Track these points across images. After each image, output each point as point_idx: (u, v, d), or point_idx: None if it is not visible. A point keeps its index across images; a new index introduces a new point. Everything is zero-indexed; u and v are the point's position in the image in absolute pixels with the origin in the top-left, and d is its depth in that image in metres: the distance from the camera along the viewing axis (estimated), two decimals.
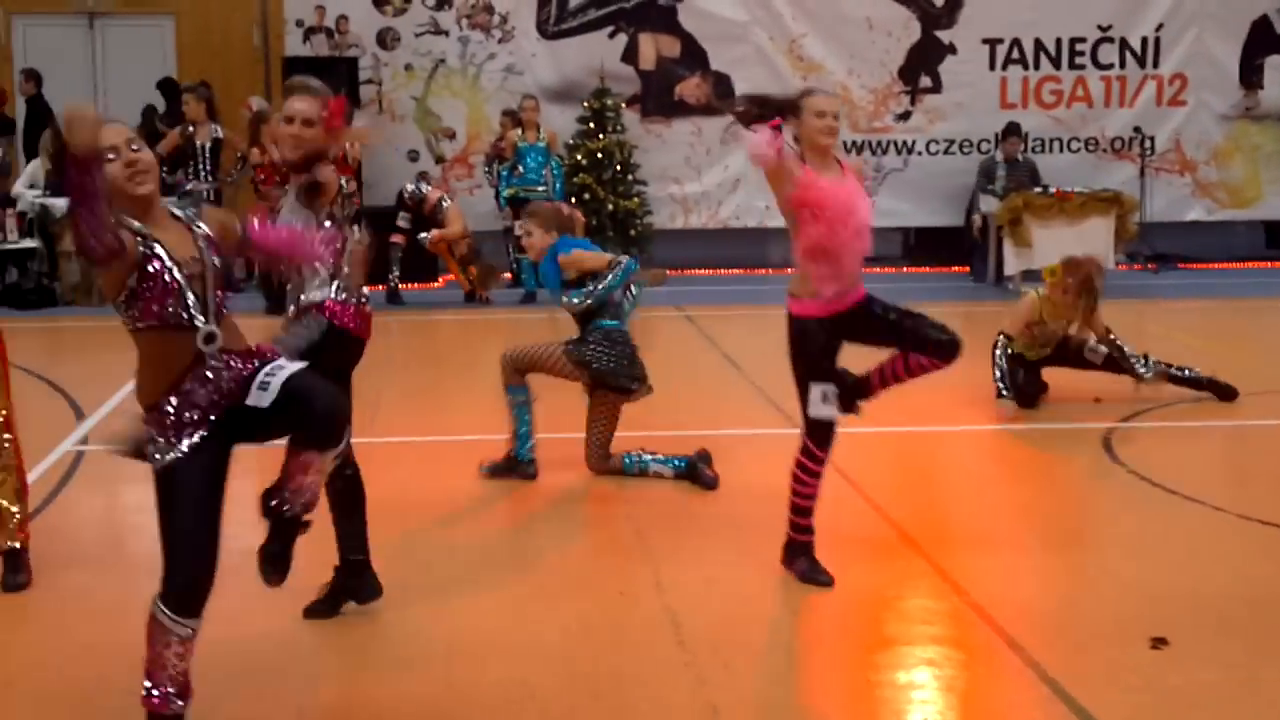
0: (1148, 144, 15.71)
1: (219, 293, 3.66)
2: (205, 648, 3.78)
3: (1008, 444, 7.83)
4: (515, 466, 6.75)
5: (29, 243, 13.13)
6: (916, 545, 5.70)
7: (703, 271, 15.41)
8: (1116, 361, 8.25)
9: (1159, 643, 4.54)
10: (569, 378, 6.81)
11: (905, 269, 15.40)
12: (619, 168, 14.82)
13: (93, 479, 6.97)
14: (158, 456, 3.60)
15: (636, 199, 14.93)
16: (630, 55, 15.62)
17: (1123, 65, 15.89)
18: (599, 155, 14.74)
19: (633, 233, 14.83)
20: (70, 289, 12.88)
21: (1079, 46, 15.85)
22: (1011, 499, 6.72)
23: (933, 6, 15.70)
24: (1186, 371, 8.40)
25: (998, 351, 8.16)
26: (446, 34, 15.50)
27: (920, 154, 15.75)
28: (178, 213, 3.68)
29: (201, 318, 3.58)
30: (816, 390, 5.08)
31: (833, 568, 5.26)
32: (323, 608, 4.91)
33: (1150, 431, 7.83)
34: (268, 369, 3.59)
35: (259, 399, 3.54)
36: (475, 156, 15.38)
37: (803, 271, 5.06)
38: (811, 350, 5.11)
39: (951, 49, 15.73)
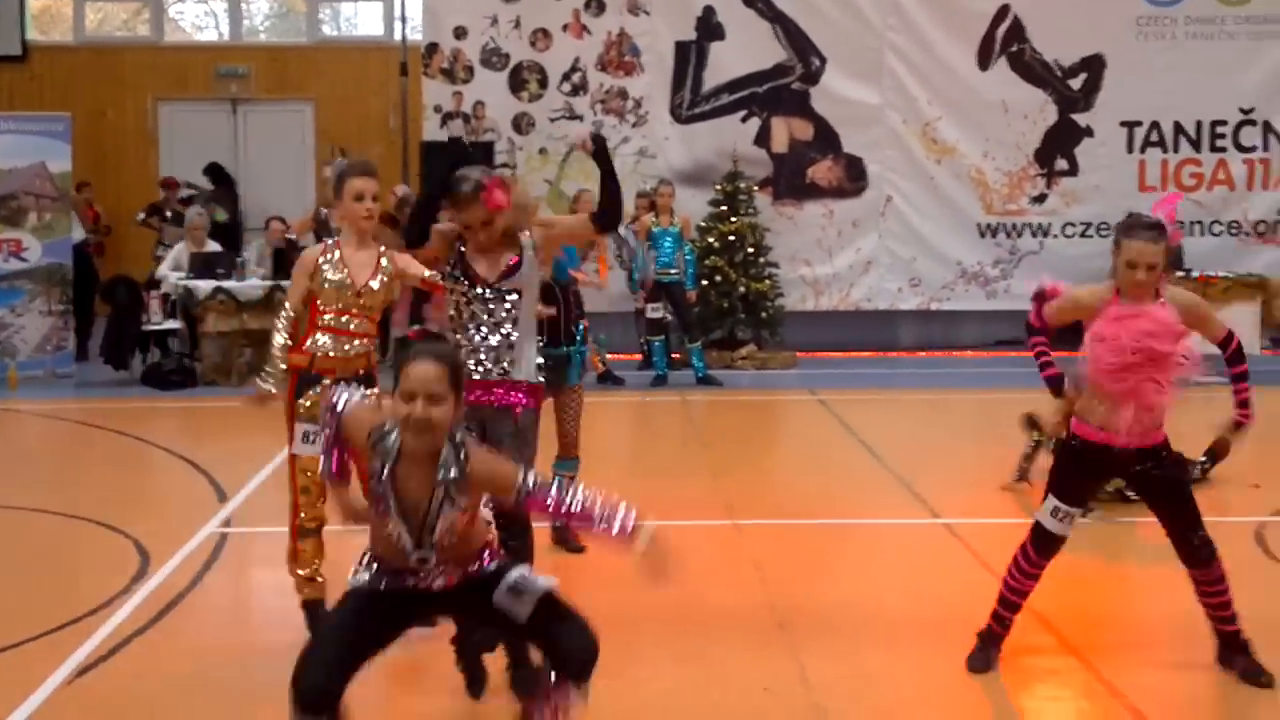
0: None
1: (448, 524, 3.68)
2: None
3: (1158, 536, 7.55)
4: None
5: (171, 323, 13.44)
6: (1076, 649, 5.48)
7: (834, 354, 15.27)
8: None
9: None
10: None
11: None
12: (751, 250, 14.79)
13: (236, 562, 7.03)
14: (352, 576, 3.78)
15: (768, 281, 14.87)
16: (763, 139, 15.65)
17: (1266, 148, 15.53)
18: (731, 238, 14.74)
19: (764, 315, 14.76)
20: (211, 369, 13.13)
21: (1220, 129, 15.54)
22: (1169, 598, 6.45)
23: (1069, 90, 15.52)
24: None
25: None
26: (581, 119, 15.66)
27: (1056, 237, 15.50)
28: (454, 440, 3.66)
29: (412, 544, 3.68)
30: (1052, 502, 5.05)
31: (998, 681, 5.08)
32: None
33: None
34: (517, 576, 3.68)
35: (513, 605, 3.65)
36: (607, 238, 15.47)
37: (1086, 392, 5.04)
38: (1066, 465, 5.07)
39: (1089, 132, 15.52)
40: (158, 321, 13.43)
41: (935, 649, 5.41)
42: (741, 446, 10.50)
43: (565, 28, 15.62)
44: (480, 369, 5.08)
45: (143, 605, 6.06)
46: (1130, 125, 15.53)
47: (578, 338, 7.04)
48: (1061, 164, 15.56)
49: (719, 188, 15.03)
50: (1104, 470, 5.10)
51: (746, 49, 15.54)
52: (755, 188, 15.25)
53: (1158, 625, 5.92)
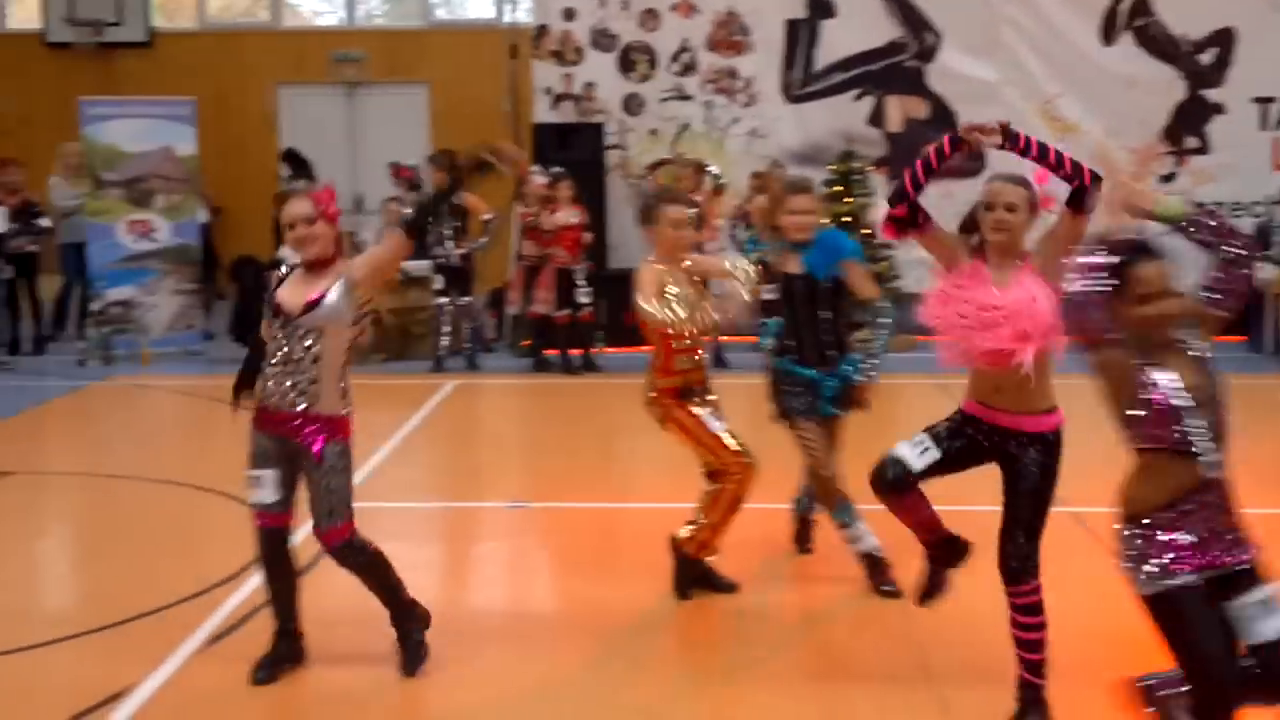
0: None
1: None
2: None
3: None
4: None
5: None
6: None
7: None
8: None
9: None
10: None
11: None
12: (867, 231, 14.60)
13: (364, 534, 7.05)
14: (1146, 578, 3.55)
15: (885, 262, 14.65)
16: (877, 117, 15.46)
17: None
18: (846, 218, 14.55)
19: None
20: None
21: None
22: None
23: (1199, 65, 15.11)
24: None
25: None
26: (691, 99, 15.60)
27: None
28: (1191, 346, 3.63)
29: (1210, 445, 3.52)
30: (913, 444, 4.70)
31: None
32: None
33: None
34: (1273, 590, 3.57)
35: (1253, 618, 3.52)
36: (720, 219, 15.37)
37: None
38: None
39: (1219, 109, 15.11)
40: None
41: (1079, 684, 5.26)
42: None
43: (674, 7, 15.59)
44: None
45: None
46: (1263, 102, 15.09)
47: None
48: (1192, 142, 15.17)
49: (833, 168, 14.85)
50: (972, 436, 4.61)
51: (859, 26, 15.37)
52: (870, 167, 15.06)
53: None
